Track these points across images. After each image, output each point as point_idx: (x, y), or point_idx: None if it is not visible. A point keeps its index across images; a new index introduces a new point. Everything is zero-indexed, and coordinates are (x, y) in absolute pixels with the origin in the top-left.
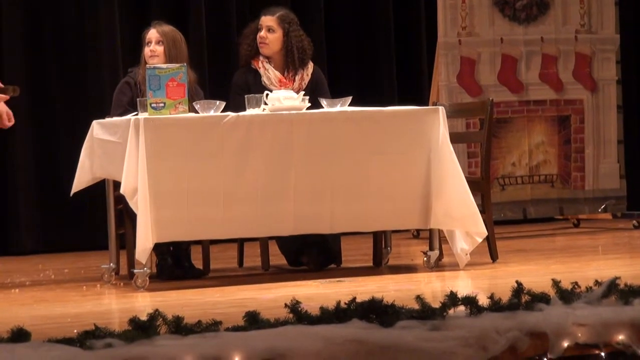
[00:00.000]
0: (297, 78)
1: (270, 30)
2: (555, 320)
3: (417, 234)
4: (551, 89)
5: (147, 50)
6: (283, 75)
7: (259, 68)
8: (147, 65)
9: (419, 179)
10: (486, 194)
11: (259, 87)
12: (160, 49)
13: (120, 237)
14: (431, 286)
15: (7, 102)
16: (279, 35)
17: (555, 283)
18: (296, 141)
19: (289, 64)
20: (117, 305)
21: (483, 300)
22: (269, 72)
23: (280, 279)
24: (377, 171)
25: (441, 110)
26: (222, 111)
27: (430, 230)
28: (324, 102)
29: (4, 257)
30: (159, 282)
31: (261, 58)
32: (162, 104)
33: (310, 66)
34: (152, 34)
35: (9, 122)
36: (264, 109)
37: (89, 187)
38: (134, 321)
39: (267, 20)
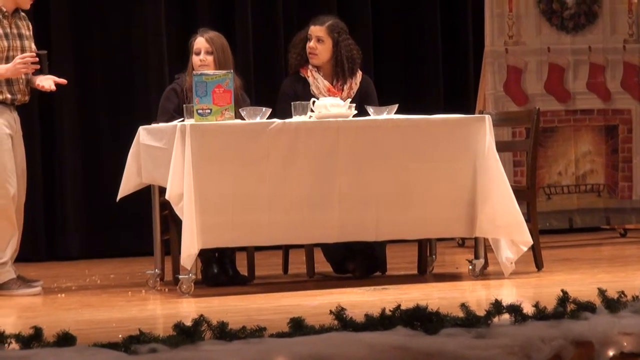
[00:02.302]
0: (345, 87)
1: (319, 41)
2: (601, 329)
3: (462, 243)
4: (599, 98)
5: (196, 59)
6: (332, 84)
7: (308, 77)
8: (194, 72)
9: (464, 187)
10: (532, 202)
11: (307, 96)
12: (210, 58)
13: (166, 243)
14: (476, 294)
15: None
16: (329, 46)
17: (601, 292)
18: (342, 148)
19: (339, 73)
20: (161, 311)
21: (528, 309)
22: (318, 82)
23: (325, 286)
24: (423, 179)
25: (487, 118)
26: (269, 118)
27: (476, 239)
28: (370, 109)
29: (50, 262)
30: (204, 288)
31: (310, 67)
32: (209, 110)
33: (359, 75)
34: (201, 43)
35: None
36: (310, 116)
37: (135, 193)
38: (179, 326)
39: (317, 30)
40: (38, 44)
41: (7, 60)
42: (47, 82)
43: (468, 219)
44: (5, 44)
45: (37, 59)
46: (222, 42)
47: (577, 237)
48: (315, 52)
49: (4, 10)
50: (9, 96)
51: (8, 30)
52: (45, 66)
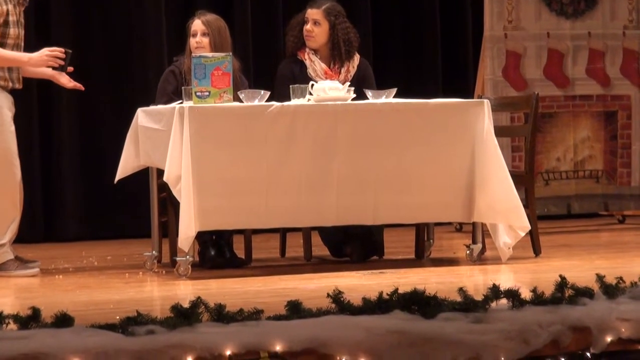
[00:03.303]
0: (342, 70)
1: (316, 24)
2: (599, 314)
3: (459, 227)
4: (598, 84)
5: (192, 42)
6: (329, 67)
7: (305, 59)
8: (193, 54)
9: (462, 171)
10: (530, 188)
11: (304, 78)
12: (206, 40)
13: (163, 225)
14: (473, 279)
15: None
16: (325, 29)
17: (599, 278)
18: (340, 132)
19: (335, 56)
20: (159, 293)
21: (525, 294)
22: (315, 64)
23: (322, 269)
24: (421, 163)
25: (486, 103)
26: (267, 101)
27: (474, 224)
28: (369, 93)
29: (48, 244)
30: (201, 270)
31: (307, 49)
32: (207, 93)
33: (357, 58)
34: (197, 25)
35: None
36: (308, 100)
37: (133, 175)
38: (176, 308)
39: (313, 13)
40: (37, 26)
41: (12, 48)
42: (69, 83)
43: (466, 204)
44: (16, 31)
45: (64, 55)
46: (219, 24)
47: (575, 223)
48: (312, 35)
49: None
50: (10, 84)
51: (19, 18)
52: (67, 65)
